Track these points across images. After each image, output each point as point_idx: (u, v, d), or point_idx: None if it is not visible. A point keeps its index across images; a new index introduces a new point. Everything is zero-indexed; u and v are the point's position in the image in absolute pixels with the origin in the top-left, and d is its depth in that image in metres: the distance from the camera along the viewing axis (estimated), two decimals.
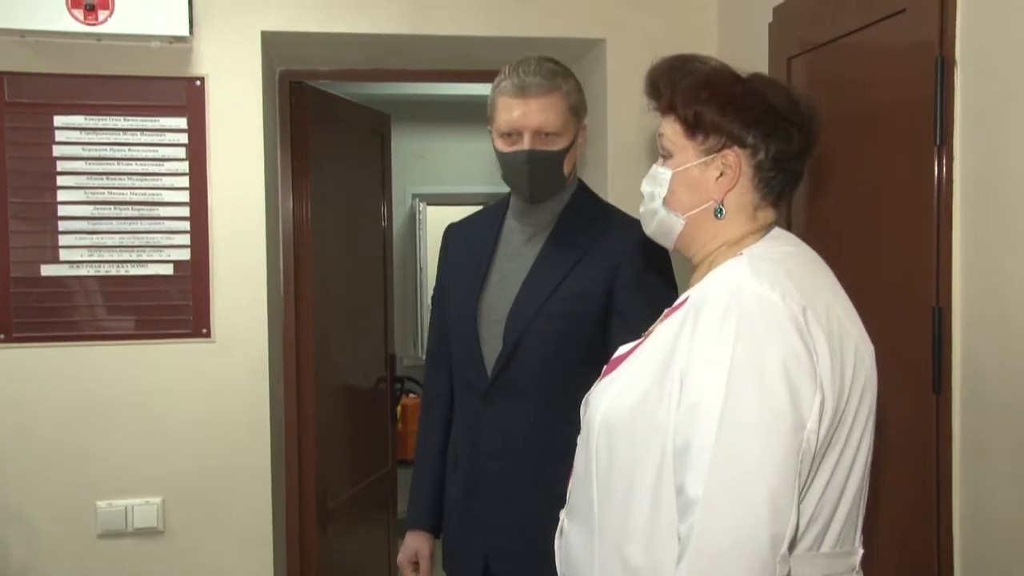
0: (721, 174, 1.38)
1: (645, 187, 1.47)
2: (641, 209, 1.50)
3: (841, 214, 2.19)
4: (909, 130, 1.89)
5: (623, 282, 1.94)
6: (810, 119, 1.40)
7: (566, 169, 1.99)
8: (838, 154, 2.17)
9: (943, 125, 1.80)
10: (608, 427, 1.37)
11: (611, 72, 2.93)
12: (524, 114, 1.91)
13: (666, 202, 1.43)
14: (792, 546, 1.23)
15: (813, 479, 1.28)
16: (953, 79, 1.79)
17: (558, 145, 1.95)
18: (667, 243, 1.48)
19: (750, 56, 2.58)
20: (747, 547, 1.18)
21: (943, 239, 1.81)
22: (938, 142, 1.81)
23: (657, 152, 1.48)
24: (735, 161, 1.37)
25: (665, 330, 1.36)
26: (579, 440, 1.49)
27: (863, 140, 2.07)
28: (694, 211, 1.41)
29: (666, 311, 1.44)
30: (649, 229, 1.49)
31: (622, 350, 1.48)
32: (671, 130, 1.42)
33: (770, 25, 2.48)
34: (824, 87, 2.26)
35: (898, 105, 1.94)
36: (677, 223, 1.43)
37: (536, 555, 1.92)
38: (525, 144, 1.93)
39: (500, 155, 1.97)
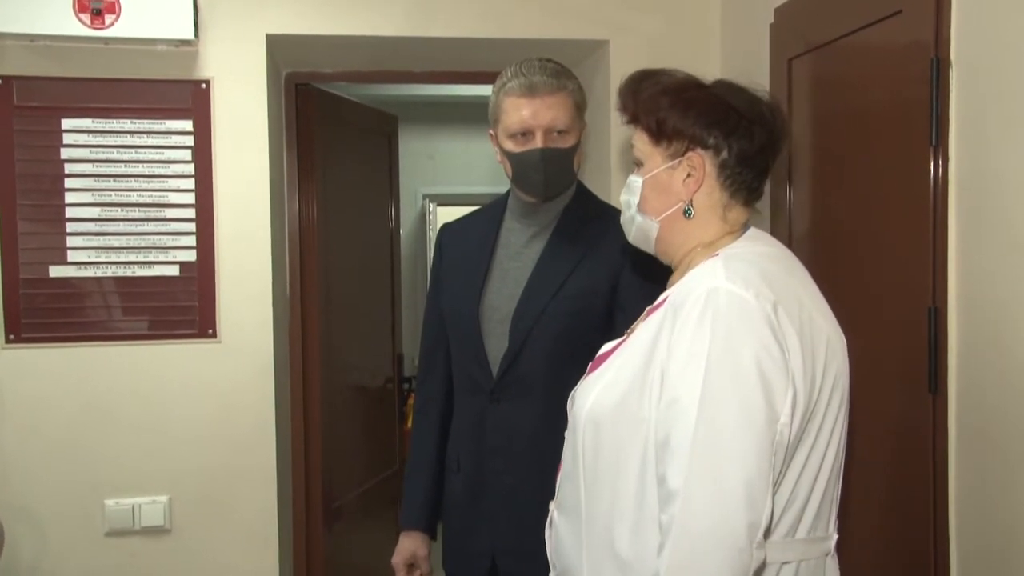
0: (688, 175, 1.46)
1: (623, 197, 1.56)
2: (622, 218, 1.58)
3: (838, 214, 2.19)
4: (905, 130, 1.89)
5: (626, 280, 1.96)
6: (772, 117, 1.47)
7: (575, 166, 2.02)
8: (836, 154, 2.17)
9: (939, 125, 1.80)
10: (594, 421, 1.44)
11: (614, 73, 2.93)
12: (535, 113, 1.93)
13: (640, 208, 1.51)
14: (768, 533, 1.30)
15: (787, 469, 1.35)
16: (948, 80, 1.79)
17: (568, 142, 1.97)
18: (648, 248, 1.56)
19: (752, 57, 2.59)
20: (725, 535, 1.24)
21: (939, 239, 1.81)
22: (934, 142, 1.81)
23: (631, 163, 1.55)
24: (699, 162, 1.45)
25: (646, 329, 1.43)
26: (566, 435, 1.56)
27: (860, 140, 2.07)
28: (666, 213, 1.48)
29: (647, 310, 1.50)
30: (630, 236, 1.58)
31: (606, 347, 1.55)
32: (639, 140, 1.51)
33: (771, 26, 2.48)
34: (824, 87, 2.26)
35: (894, 105, 1.94)
36: (652, 227, 1.51)
37: (542, 552, 1.94)
38: (538, 143, 1.94)
39: (511, 155, 1.97)
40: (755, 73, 2.48)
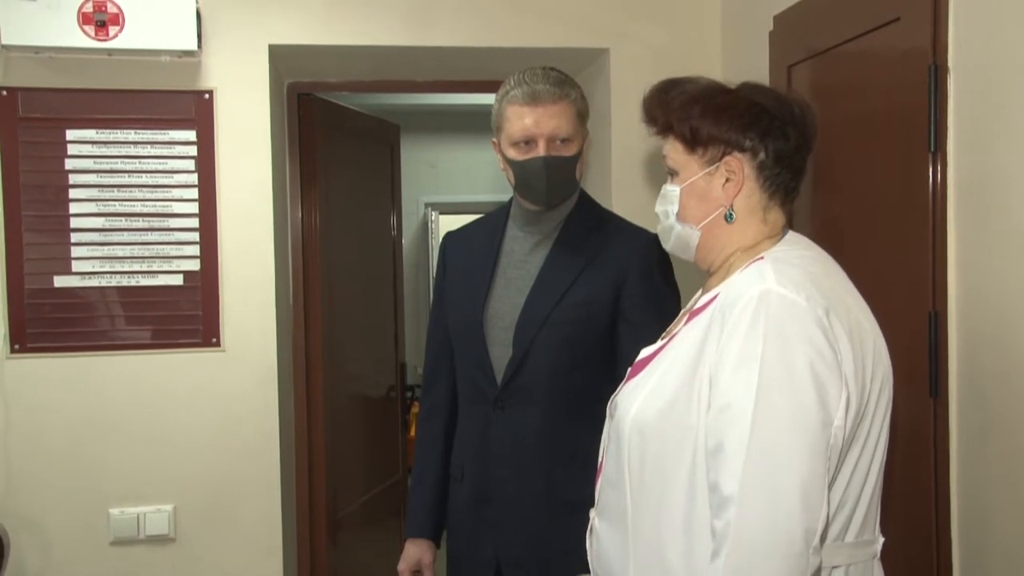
0: (727, 180, 1.45)
1: (658, 207, 1.54)
2: (658, 228, 1.57)
3: (837, 219, 2.20)
4: (904, 136, 1.90)
5: (630, 288, 1.97)
6: (803, 116, 1.47)
7: (577, 175, 2.02)
8: (835, 160, 2.18)
9: (937, 131, 1.82)
10: (639, 429, 1.42)
11: (615, 82, 2.95)
12: (537, 121, 1.94)
13: (679, 217, 1.50)
14: (823, 538, 1.29)
15: (839, 472, 1.34)
16: (946, 86, 1.81)
17: (571, 150, 1.98)
18: (687, 256, 1.54)
19: (752, 64, 2.61)
20: (782, 540, 1.23)
21: (938, 244, 1.82)
22: (932, 148, 1.82)
23: (663, 171, 1.53)
24: (738, 165, 1.44)
25: (690, 333, 1.41)
26: (606, 442, 1.55)
27: (860, 146, 2.08)
28: (707, 220, 1.48)
29: (688, 312, 1.49)
30: (668, 245, 1.56)
31: (646, 352, 1.53)
32: (672, 149, 1.50)
33: (771, 33, 2.50)
34: (823, 94, 2.27)
35: (893, 112, 1.95)
36: (693, 235, 1.50)
37: (549, 561, 1.94)
38: (540, 151, 1.95)
39: (514, 163, 1.98)
40: (755, 80, 2.49)
